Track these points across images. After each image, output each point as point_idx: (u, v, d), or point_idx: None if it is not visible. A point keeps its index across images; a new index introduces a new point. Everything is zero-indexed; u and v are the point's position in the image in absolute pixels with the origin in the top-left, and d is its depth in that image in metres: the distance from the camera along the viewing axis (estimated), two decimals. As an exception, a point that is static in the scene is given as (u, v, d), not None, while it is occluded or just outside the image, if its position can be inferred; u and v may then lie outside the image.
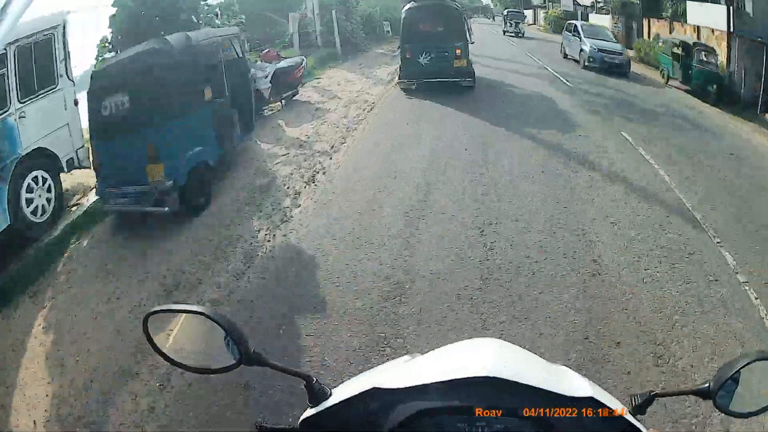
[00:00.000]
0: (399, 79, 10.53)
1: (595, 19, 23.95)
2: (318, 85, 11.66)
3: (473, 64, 10.88)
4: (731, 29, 14.20)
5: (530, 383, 0.93)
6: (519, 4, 29.03)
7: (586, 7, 25.83)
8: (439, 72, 10.01)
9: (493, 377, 0.92)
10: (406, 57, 10.23)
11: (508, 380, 0.92)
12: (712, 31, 14.35)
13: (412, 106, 9.66)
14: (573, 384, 1.00)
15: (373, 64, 14.74)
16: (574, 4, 26.51)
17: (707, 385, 1.05)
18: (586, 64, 14.51)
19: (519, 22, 25.34)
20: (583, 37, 15.30)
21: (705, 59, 12.40)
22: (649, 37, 17.73)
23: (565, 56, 16.57)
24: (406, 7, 10.68)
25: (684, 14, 15.65)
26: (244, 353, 1.02)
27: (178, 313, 1.07)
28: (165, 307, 1.11)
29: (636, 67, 14.69)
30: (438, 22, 10.42)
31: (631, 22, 20.62)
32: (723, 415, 1.07)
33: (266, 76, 9.29)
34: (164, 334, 1.11)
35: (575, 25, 16.72)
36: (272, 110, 9.44)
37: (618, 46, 14.97)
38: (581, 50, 14.98)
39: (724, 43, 14.12)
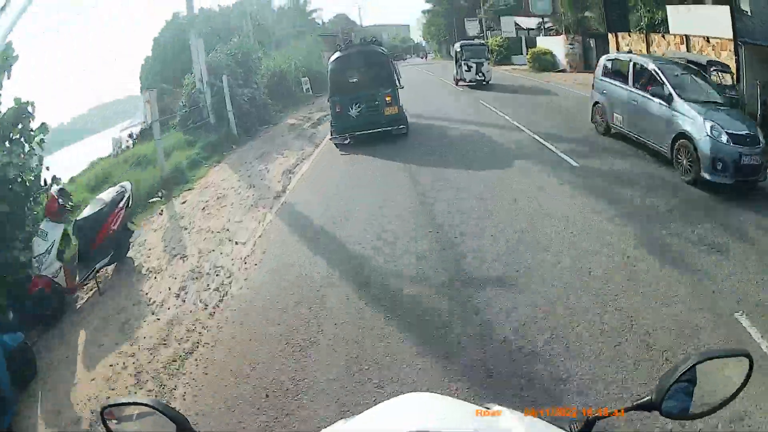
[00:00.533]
0: (331, 135, 10.11)
1: (544, 42, 20.85)
2: (176, 212, 7.44)
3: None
4: (735, 35, 11.03)
5: None
6: (457, 37, 25.51)
7: (530, 30, 22.75)
8: (370, 123, 9.66)
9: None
10: (336, 111, 9.79)
11: None
12: (707, 39, 11.14)
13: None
14: (503, 426, 1.02)
15: (272, 150, 10.71)
16: (516, 27, 23.48)
17: (649, 397, 1.06)
18: (707, 175, 6.00)
19: (483, 62, 16.55)
20: (678, 100, 6.63)
21: (722, 83, 8.86)
22: (617, 56, 14.64)
23: (608, 130, 8.63)
24: (331, 59, 10.19)
25: (664, 23, 12.39)
26: None
27: (129, 405, 1.18)
28: (118, 401, 1.20)
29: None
30: (364, 71, 9.82)
31: (589, 41, 17.61)
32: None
33: (48, 251, 5.12)
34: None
35: (650, 71, 7.30)
36: (88, 295, 5.20)
37: (749, 122, 6.56)
38: (680, 135, 6.47)
39: (725, 54, 10.99)
